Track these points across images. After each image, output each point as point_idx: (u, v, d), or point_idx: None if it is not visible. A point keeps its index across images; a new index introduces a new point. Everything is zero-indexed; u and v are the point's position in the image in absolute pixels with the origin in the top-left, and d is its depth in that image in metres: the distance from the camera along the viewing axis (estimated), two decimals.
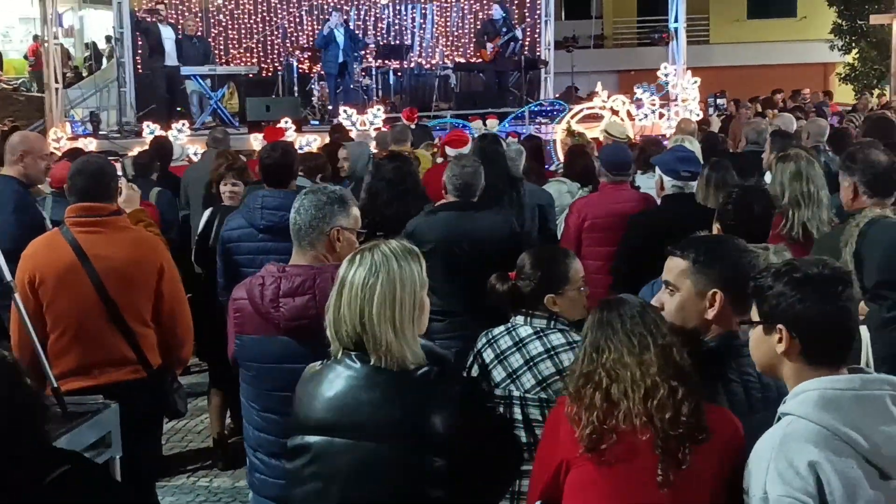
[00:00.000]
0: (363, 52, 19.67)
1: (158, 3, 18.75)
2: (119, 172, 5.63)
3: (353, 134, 14.40)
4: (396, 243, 3.10)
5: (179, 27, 18.53)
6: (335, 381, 3.02)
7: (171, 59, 17.48)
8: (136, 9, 19.42)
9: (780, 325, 2.66)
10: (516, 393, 3.88)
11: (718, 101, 20.30)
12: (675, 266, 3.30)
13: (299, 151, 11.61)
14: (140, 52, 19.54)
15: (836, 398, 2.52)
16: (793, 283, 2.66)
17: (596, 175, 7.58)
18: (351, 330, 2.99)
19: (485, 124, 14.67)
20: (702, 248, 3.30)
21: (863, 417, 2.48)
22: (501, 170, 7.21)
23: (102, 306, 4.67)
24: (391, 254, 3.03)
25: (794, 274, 2.68)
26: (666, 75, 16.74)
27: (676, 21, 17.13)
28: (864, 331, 3.61)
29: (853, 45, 30.45)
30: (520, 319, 4.11)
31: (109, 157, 6.79)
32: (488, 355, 4.05)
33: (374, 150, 10.34)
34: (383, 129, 14.65)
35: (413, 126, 13.40)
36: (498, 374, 3.98)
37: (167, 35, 17.50)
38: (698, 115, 16.34)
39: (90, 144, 15.29)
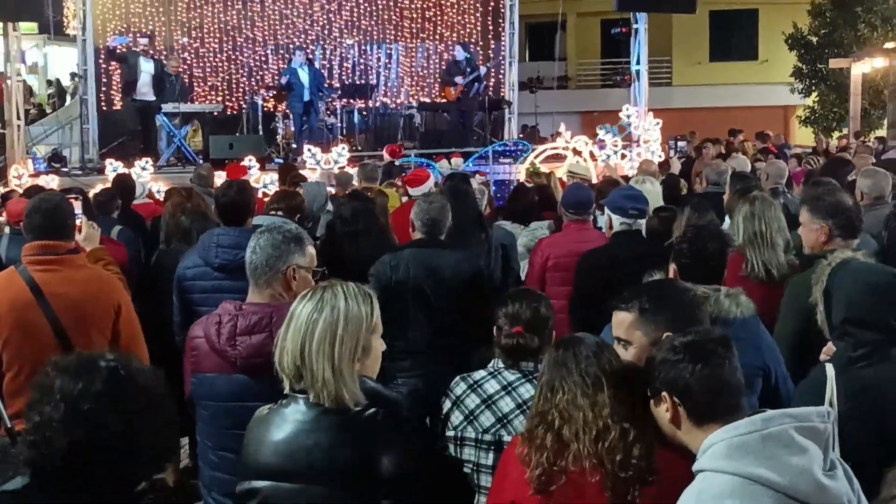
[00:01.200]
0: (328, 92, 19.70)
1: (144, 34, 18.73)
2: (78, 210, 5.57)
3: (317, 174, 14.38)
4: (352, 284, 3.10)
5: (163, 66, 18.53)
6: (282, 425, 3.00)
7: (144, 93, 17.44)
8: (100, 45, 19.36)
9: (664, 393, 2.77)
10: (507, 438, 3.84)
11: (679, 143, 20.49)
12: (622, 320, 3.35)
13: (266, 190, 11.65)
14: (105, 84, 19.54)
15: (743, 443, 2.56)
16: (672, 351, 2.80)
17: (540, 213, 7.64)
18: (291, 363, 2.98)
19: (450, 163, 14.72)
20: (644, 296, 3.35)
21: (773, 455, 2.52)
22: (470, 209, 7.25)
23: (59, 345, 4.61)
24: (341, 292, 3.02)
25: (674, 342, 2.82)
26: (628, 116, 16.89)
27: (639, 63, 17.32)
28: (829, 368, 3.65)
29: (813, 88, 30.88)
30: (501, 363, 4.09)
31: (71, 195, 6.72)
32: (473, 400, 4.01)
33: (334, 190, 10.33)
34: (347, 167, 14.67)
35: (396, 163, 13.49)
36: (486, 419, 3.95)
37: (145, 68, 17.44)
38: (660, 156, 16.49)
39: (52, 181, 15.16)
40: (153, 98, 17.55)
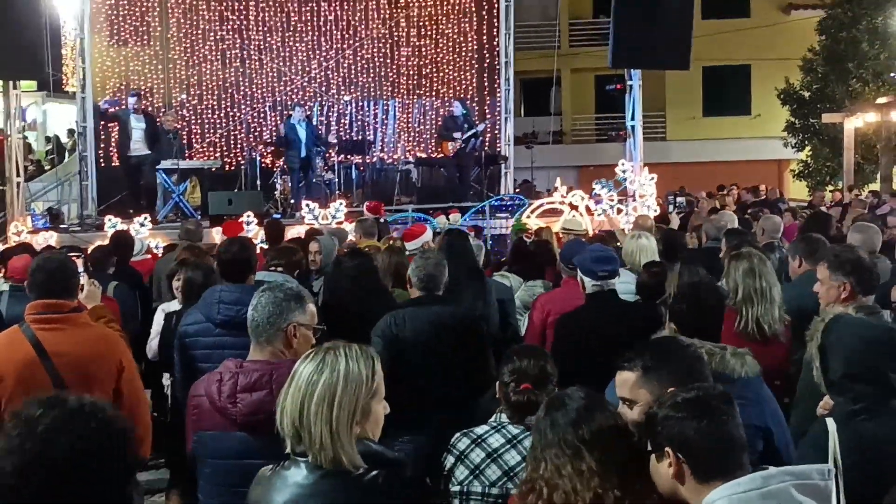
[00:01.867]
0: (325, 148, 19.85)
1: (134, 93, 18.87)
2: (80, 269, 5.63)
3: (316, 227, 14.44)
4: (356, 346, 3.11)
5: (158, 121, 18.68)
6: (283, 488, 3.02)
7: (137, 148, 17.55)
8: (97, 100, 19.52)
9: (667, 449, 2.78)
10: (515, 491, 3.87)
11: (678, 198, 20.61)
12: (626, 380, 3.35)
13: (264, 246, 11.69)
14: (104, 141, 19.70)
15: (743, 500, 2.59)
16: (675, 408, 2.81)
17: (542, 269, 7.70)
18: (290, 424, 3.00)
19: (448, 219, 14.81)
20: (646, 354, 3.37)
21: None
22: (468, 264, 7.31)
23: None
24: (343, 354, 3.04)
25: (676, 399, 2.83)
26: (624, 171, 17.01)
27: (633, 119, 17.47)
28: (830, 423, 3.69)
29: (806, 142, 31.09)
30: (505, 418, 4.14)
31: (71, 253, 6.79)
32: (477, 455, 4.05)
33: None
34: (345, 223, 14.76)
35: (382, 219, 13.55)
36: (493, 472, 4.00)
37: (136, 125, 17.55)
38: (656, 210, 16.59)
39: (50, 238, 15.23)
40: (147, 152, 17.62)
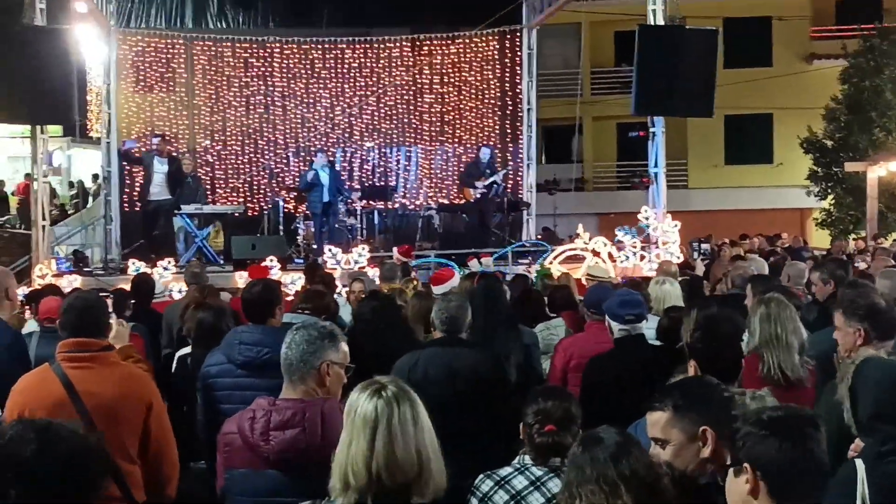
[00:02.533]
0: (347, 194, 19.94)
1: (157, 134, 19.07)
2: (110, 309, 5.66)
3: (337, 273, 14.48)
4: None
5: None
6: None
7: (156, 193, 17.66)
8: (120, 146, 19.70)
9: (746, 464, 2.76)
10: None
11: (703, 245, 20.58)
12: (657, 420, 3.35)
13: (287, 290, 11.73)
14: (128, 185, 19.88)
15: None
16: (759, 425, 2.80)
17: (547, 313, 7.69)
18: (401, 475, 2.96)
19: (479, 262, 14.82)
20: (677, 393, 3.37)
21: None
22: (501, 308, 7.29)
23: None
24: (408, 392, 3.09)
25: (762, 416, 2.84)
26: (646, 218, 17.00)
27: (656, 166, 17.48)
28: (859, 464, 3.66)
29: (829, 191, 31.03)
30: (528, 459, 4.12)
31: (101, 293, 6.83)
32: (501, 497, 4.04)
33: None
34: (367, 268, 14.80)
35: (411, 263, 13.61)
36: None
37: (159, 168, 17.67)
38: (679, 257, 16.55)
39: (75, 281, 15.32)
40: (168, 197, 17.74)
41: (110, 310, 5.64)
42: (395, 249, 15.87)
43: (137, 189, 19.79)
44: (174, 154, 19.10)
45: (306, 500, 3.11)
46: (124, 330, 5.85)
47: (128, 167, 20.03)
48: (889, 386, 3.75)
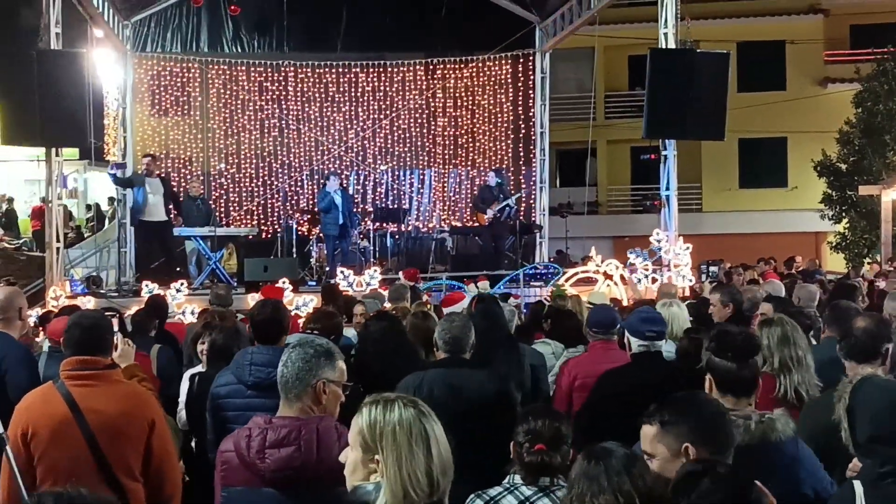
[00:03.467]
0: (357, 218, 19.97)
1: (146, 154, 19.05)
2: (115, 328, 5.70)
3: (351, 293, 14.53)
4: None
5: (183, 188, 18.90)
6: None
7: (152, 213, 17.69)
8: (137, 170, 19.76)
9: None
10: None
11: (711, 268, 20.53)
12: (646, 434, 3.40)
13: (299, 312, 11.78)
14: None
15: None
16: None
17: (582, 335, 7.68)
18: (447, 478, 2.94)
19: (476, 286, 14.87)
20: (666, 408, 3.39)
21: None
22: (501, 329, 7.30)
23: (93, 461, 4.67)
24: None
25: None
26: (658, 241, 16.99)
27: (668, 189, 17.48)
28: (857, 485, 3.66)
29: (843, 214, 30.93)
30: (518, 479, 4.13)
31: (107, 312, 6.87)
32: None
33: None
34: (380, 290, 14.83)
35: (419, 286, 13.63)
36: None
37: (151, 188, 17.56)
38: (691, 280, 16.54)
39: (88, 303, 15.38)
40: (164, 218, 17.73)
41: (116, 329, 5.67)
42: (401, 273, 15.91)
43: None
44: (163, 175, 19.11)
45: None
46: (130, 349, 5.89)
47: (123, 190, 19.98)
48: (887, 407, 3.75)
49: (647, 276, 16.51)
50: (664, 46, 17.00)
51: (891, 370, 5.50)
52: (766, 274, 19.49)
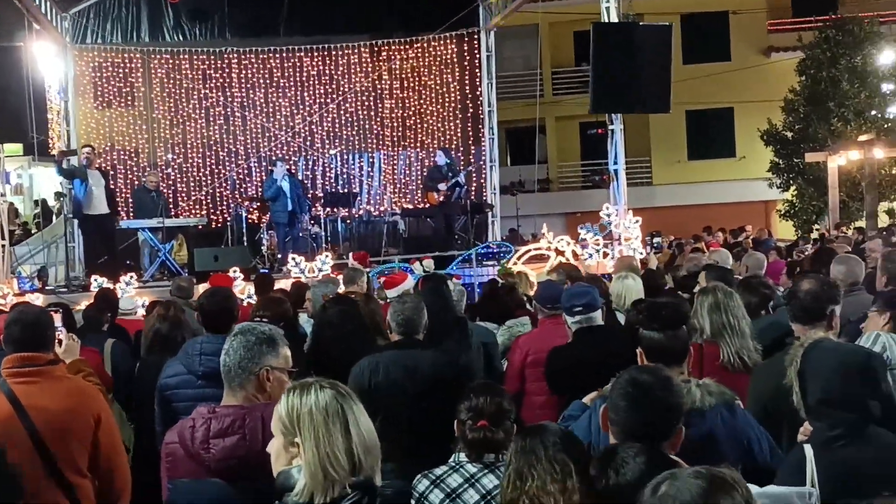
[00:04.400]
0: (310, 202, 19.86)
1: (86, 144, 18.72)
2: (59, 323, 5.61)
3: (303, 280, 14.44)
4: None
5: (142, 181, 18.68)
6: None
7: (96, 206, 17.38)
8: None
9: None
10: None
11: (655, 239, 20.70)
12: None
13: (251, 300, 11.69)
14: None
15: None
16: None
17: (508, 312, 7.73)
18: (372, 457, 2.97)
19: (422, 265, 14.84)
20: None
21: None
22: (448, 309, 7.28)
23: (39, 459, 4.60)
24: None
25: None
26: (608, 215, 17.04)
27: (616, 163, 17.53)
28: (807, 448, 3.68)
29: (791, 182, 31.23)
30: (463, 457, 4.12)
31: (51, 308, 6.76)
32: (437, 496, 4.06)
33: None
34: (332, 275, 14.74)
35: (373, 270, 13.58)
36: None
37: (93, 181, 17.16)
38: (642, 253, 16.61)
39: (37, 300, 15.13)
40: (107, 211, 17.42)
41: (59, 324, 5.57)
42: (350, 255, 15.86)
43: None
44: (103, 168, 18.84)
45: None
46: (74, 344, 5.81)
47: (69, 183, 19.63)
48: (837, 370, 3.78)
49: (598, 251, 16.56)
50: (607, 20, 17.01)
51: (842, 334, 5.56)
52: (709, 244, 19.66)
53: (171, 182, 22.10)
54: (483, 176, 22.96)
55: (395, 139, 23.43)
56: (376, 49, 23.14)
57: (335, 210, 21.18)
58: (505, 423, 4.14)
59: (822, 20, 30.69)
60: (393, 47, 23.17)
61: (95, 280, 15.83)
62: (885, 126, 28.99)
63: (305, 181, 21.97)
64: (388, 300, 8.13)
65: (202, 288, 14.93)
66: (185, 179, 22.44)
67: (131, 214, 19.69)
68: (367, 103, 23.27)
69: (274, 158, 21.05)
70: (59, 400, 4.70)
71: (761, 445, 4.20)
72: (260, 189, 21.26)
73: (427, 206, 20.60)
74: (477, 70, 22.90)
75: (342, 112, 23.14)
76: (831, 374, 3.77)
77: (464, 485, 4.01)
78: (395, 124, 23.40)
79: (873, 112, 29.48)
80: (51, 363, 4.82)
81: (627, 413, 3.29)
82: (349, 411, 2.91)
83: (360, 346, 6.30)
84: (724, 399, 4.16)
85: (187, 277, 12.91)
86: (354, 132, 23.25)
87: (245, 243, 19.14)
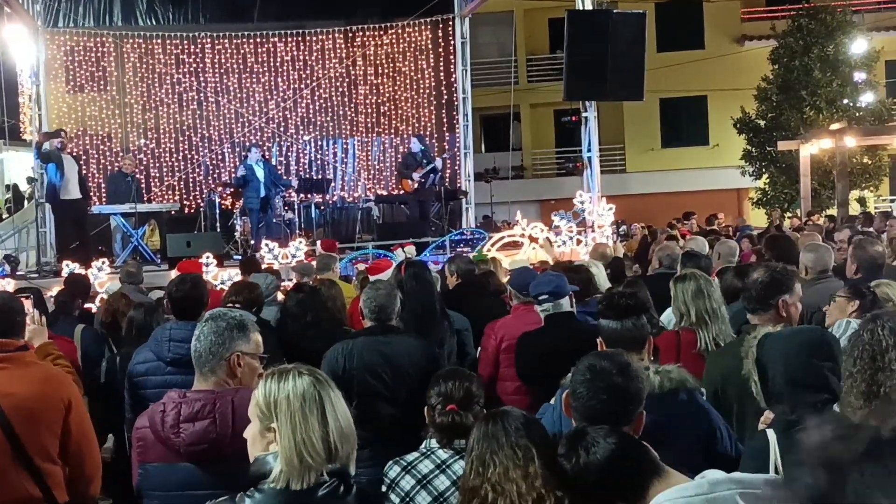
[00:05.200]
0: (284, 188, 19.79)
1: (59, 130, 18.57)
2: (28, 308, 5.57)
3: (275, 267, 14.40)
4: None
5: (117, 166, 18.54)
6: None
7: (70, 191, 17.23)
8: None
9: None
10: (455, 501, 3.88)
11: (621, 227, 20.81)
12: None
13: (224, 287, 11.65)
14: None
15: None
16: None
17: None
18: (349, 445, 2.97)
19: (403, 251, 14.83)
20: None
21: None
22: (429, 295, 7.29)
23: (7, 445, 4.55)
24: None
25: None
26: (582, 203, 17.09)
27: (590, 150, 17.59)
28: (770, 434, 3.71)
29: (763, 170, 31.41)
30: (434, 443, 4.14)
31: (21, 294, 6.73)
32: (408, 482, 4.06)
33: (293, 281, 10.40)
34: (305, 261, 14.71)
35: (345, 257, 13.56)
36: (423, 499, 4.01)
37: (68, 166, 17.08)
38: (614, 240, 16.69)
39: (7, 285, 15.04)
40: (80, 195, 17.35)
41: (28, 309, 5.53)
42: (318, 243, 15.84)
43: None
44: (74, 153, 18.73)
45: (221, 491, 3.06)
46: (42, 328, 5.77)
47: (42, 167, 19.46)
48: (798, 350, 3.82)
49: (571, 238, 16.61)
50: (581, 8, 17.03)
51: (812, 321, 5.62)
52: (682, 231, 19.76)
53: (143, 167, 21.94)
54: (457, 163, 22.94)
55: (370, 125, 23.36)
56: (351, 35, 23.05)
57: (309, 196, 21.13)
58: (474, 408, 4.17)
59: (795, 9, 30.87)
60: (367, 33, 23.09)
61: (67, 265, 15.73)
62: (857, 115, 29.22)
63: (279, 167, 21.87)
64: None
65: (174, 274, 15.00)
66: (157, 165, 22.30)
67: (103, 200, 19.59)
68: (341, 89, 23.19)
69: (248, 144, 20.99)
70: (29, 386, 4.66)
71: (721, 432, 4.23)
72: (233, 175, 21.18)
73: (401, 192, 20.59)
74: (451, 57, 22.85)
75: (316, 98, 23.05)
76: (793, 356, 3.81)
77: (434, 471, 4.03)
78: (370, 110, 23.33)
79: (845, 101, 29.69)
80: (21, 349, 4.79)
81: (587, 398, 3.30)
82: (326, 398, 2.90)
83: (321, 334, 6.31)
84: (684, 385, 4.18)
85: (135, 263, 12.84)
86: (328, 118, 23.17)
87: (218, 229, 19.07)
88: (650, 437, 3.29)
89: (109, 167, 21.18)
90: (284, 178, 20.71)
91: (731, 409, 4.64)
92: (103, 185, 20.62)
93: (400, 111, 23.33)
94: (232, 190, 20.65)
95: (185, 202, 21.82)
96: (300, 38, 22.86)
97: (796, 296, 5.22)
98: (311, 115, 23.05)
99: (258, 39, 22.64)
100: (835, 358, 3.75)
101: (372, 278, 9.06)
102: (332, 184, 22.34)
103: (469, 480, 3.13)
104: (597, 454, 2.86)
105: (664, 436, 3.52)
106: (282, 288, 9.93)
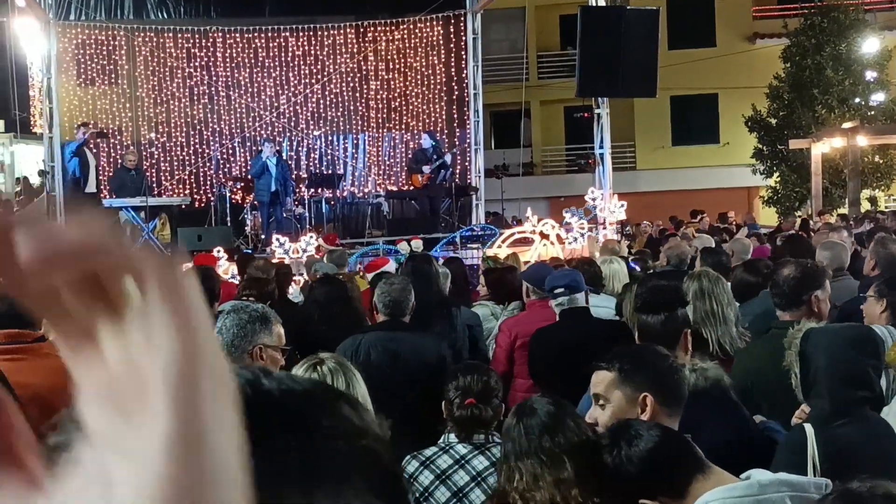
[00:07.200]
0: (295, 183, 19.80)
1: (83, 123, 18.66)
2: None
3: (286, 261, 14.39)
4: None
5: (120, 160, 18.54)
6: None
7: (92, 185, 17.31)
8: (65, 140, 19.33)
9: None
10: None
11: (626, 227, 20.79)
12: (602, 379, 3.36)
13: (234, 281, 11.63)
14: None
15: None
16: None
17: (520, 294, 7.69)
18: None
19: (409, 245, 14.83)
20: (625, 357, 3.39)
21: None
22: (433, 289, 7.26)
23: None
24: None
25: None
26: (593, 199, 17.06)
27: (602, 147, 17.56)
28: (808, 428, 3.68)
29: (774, 169, 31.33)
30: (453, 437, 4.12)
31: None
32: (426, 477, 4.03)
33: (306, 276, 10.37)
34: (316, 256, 14.70)
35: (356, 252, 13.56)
36: (442, 494, 3.98)
37: (91, 160, 17.29)
38: (618, 239, 16.65)
39: None
40: (96, 190, 17.41)
41: None
42: (320, 239, 15.83)
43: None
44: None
45: None
46: None
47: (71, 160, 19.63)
48: (843, 345, 3.80)
49: (582, 235, 16.57)
50: (594, 4, 17.00)
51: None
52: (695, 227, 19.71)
53: (154, 161, 21.95)
54: (468, 159, 22.90)
55: (380, 121, 23.33)
56: (362, 30, 23.00)
57: (319, 191, 21.12)
58: (493, 401, 4.14)
59: (808, 7, 30.75)
60: (379, 28, 23.05)
61: None
62: (869, 114, 29.15)
63: (289, 161, 21.85)
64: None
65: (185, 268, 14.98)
66: (168, 158, 22.29)
67: (113, 194, 19.61)
68: (352, 84, 23.15)
69: (261, 138, 20.97)
70: (45, 377, 4.62)
71: (752, 432, 4.19)
72: (244, 169, 21.19)
73: (411, 188, 20.57)
74: (463, 53, 22.79)
75: (327, 93, 23.01)
76: (838, 351, 3.78)
77: (453, 466, 4.00)
78: (381, 106, 23.29)
79: (857, 99, 29.62)
80: (38, 340, 4.78)
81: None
82: (354, 388, 2.88)
83: (348, 326, 6.28)
84: (719, 384, 4.14)
85: None
86: (339, 113, 23.13)
87: (229, 223, 19.08)
88: (684, 433, 3.26)
89: (119, 161, 21.18)
90: (294, 175, 20.68)
91: (760, 407, 4.61)
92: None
93: (410, 107, 23.29)
94: (242, 184, 20.66)
95: (195, 196, 21.81)
96: (311, 33, 22.82)
97: (827, 292, 5.19)
98: (321, 111, 23.01)
99: (269, 34, 22.61)
100: (879, 356, 3.73)
101: (370, 276, 9.06)
102: (343, 179, 22.32)
103: (500, 484, 3.07)
104: (639, 445, 2.81)
105: (697, 435, 3.49)
106: (294, 281, 9.94)
